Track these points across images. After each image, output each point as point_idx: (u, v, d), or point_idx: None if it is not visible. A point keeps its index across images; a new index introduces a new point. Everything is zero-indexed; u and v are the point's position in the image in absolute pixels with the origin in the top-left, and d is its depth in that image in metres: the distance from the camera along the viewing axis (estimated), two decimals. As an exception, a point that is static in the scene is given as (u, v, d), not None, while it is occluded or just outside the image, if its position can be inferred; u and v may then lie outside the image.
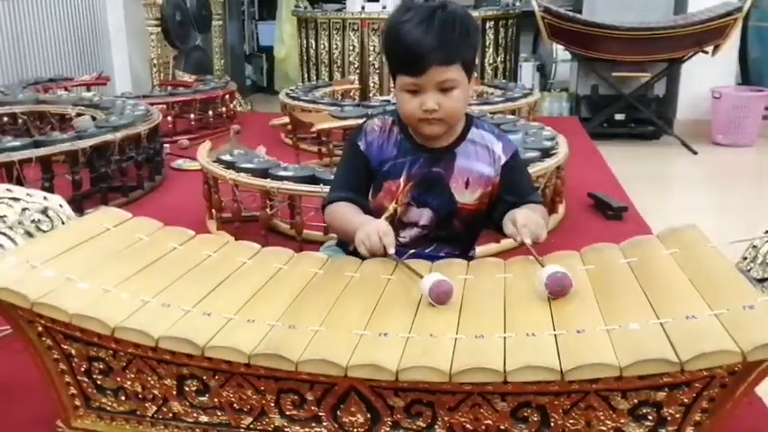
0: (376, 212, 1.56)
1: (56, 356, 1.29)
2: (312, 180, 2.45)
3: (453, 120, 1.48)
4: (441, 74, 1.40)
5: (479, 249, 2.27)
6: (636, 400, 1.06)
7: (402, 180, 1.53)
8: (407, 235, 1.57)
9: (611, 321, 1.09)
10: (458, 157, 1.53)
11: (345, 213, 1.51)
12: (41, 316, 1.23)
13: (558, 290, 1.19)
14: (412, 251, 1.49)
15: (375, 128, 1.56)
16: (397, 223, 1.55)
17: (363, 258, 1.44)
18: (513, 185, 1.54)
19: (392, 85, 1.50)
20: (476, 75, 4.92)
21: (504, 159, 1.54)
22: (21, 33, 4.64)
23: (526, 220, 1.38)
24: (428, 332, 1.13)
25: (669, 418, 1.06)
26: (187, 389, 1.24)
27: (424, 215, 1.54)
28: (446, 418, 1.13)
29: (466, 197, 1.53)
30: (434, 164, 1.52)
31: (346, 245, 1.61)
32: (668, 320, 1.05)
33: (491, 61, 5.26)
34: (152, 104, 3.86)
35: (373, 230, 1.38)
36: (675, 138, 4.51)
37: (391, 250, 1.36)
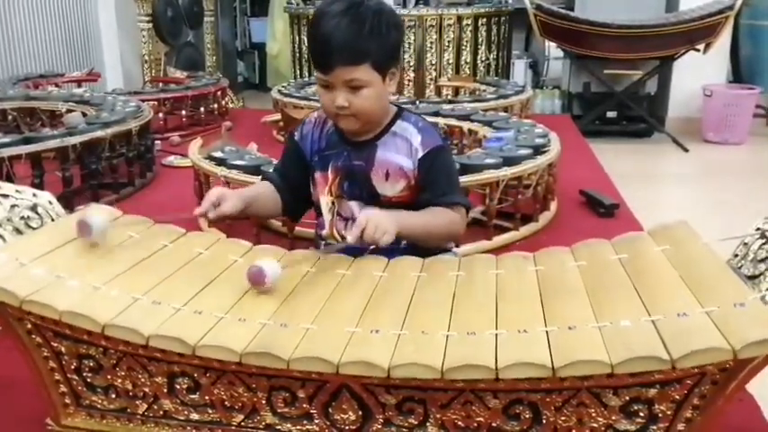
0: (318, 207, 1.59)
1: (45, 354, 1.28)
2: (304, 177, 2.44)
3: (367, 117, 1.47)
4: (347, 73, 1.40)
5: (471, 247, 2.28)
6: (627, 397, 1.06)
7: (330, 172, 1.55)
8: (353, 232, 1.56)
9: (602, 318, 1.09)
10: (378, 150, 1.52)
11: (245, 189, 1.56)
12: (31, 313, 1.22)
13: (252, 282, 1.25)
14: (372, 247, 1.44)
15: (312, 120, 1.60)
16: (337, 218, 1.56)
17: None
18: (428, 183, 1.51)
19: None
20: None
21: (420, 153, 1.50)
22: (11, 29, 4.61)
23: (365, 221, 1.35)
24: (420, 329, 1.13)
25: (660, 415, 1.07)
26: (178, 386, 1.23)
27: (356, 208, 1.54)
28: (438, 416, 1.13)
29: (387, 189, 1.52)
30: (357, 157, 1.53)
31: (318, 247, 1.62)
32: (660, 318, 1.06)
33: (483, 58, 5.26)
34: (143, 101, 3.85)
35: (207, 193, 1.44)
36: (667, 135, 4.52)
37: (197, 211, 1.41)
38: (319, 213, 1.62)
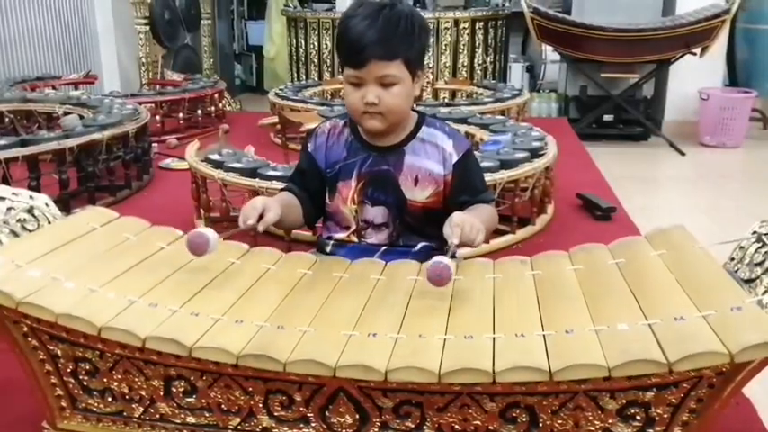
0: (334, 215, 1.60)
1: (42, 357, 1.28)
2: (301, 180, 2.44)
3: (393, 116, 1.48)
4: (381, 69, 1.42)
5: (467, 250, 2.28)
6: (624, 401, 1.06)
7: (353, 180, 1.55)
8: (373, 236, 1.58)
9: (599, 322, 1.09)
10: (406, 155, 1.54)
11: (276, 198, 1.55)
12: (27, 316, 1.22)
13: (436, 279, 1.21)
14: (385, 247, 1.52)
15: (325, 131, 1.61)
16: (361, 224, 1.58)
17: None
18: (465, 184, 1.54)
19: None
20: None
21: (455, 158, 1.54)
22: (8, 31, 4.60)
23: (462, 222, 1.35)
24: (417, 333, 1.13)
25: (657, 418, 1.07)
26: (174, 390, 1.23)
27: (379, 213, 1.56)
28: (435, 419, 1.13)
29: (416, 194, 1.54)
30: (383, 162, 1.54)
31: (323, 249, 1.62)
32: (656, 321, 1.06)
33: (480, 62, 5.27)
34: (140, 103, 3.84)
35: (249, 203, 1.44)
36: (663, 139, 4.53)
37: (250, 222, 1.39)
38: (327, 218, 1.63)
